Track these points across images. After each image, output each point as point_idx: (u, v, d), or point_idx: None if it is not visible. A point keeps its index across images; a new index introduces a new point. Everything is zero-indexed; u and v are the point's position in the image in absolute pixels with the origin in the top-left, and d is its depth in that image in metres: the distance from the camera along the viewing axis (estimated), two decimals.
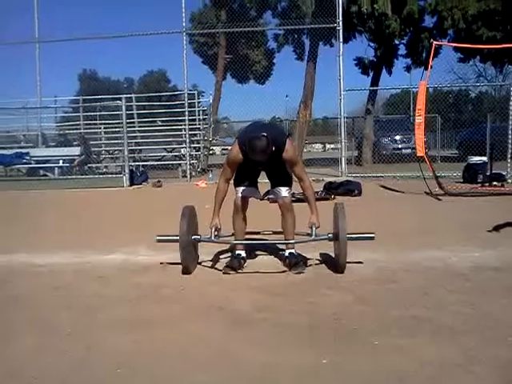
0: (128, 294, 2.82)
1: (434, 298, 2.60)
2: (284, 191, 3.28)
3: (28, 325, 2.38)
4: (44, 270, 3.44)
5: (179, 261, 3.15)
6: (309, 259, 3.44)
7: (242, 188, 3.29)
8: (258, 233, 3.71)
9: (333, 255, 3.38)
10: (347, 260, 3.12)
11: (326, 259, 3.45)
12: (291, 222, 3.30)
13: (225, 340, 2.13)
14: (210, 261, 3.53)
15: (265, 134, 2.99)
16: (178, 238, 3.11)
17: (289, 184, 3.33)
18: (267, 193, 3.41)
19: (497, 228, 4.25)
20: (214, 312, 2.49)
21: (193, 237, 3.28)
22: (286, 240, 3.35)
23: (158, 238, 3.36)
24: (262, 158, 3.00)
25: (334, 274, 3.12)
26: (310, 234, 3.22)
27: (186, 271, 3.18)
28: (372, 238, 3.21)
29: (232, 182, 3.34)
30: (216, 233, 3.26)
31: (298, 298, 2.67)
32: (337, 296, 2.68)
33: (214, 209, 3.28)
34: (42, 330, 2.29)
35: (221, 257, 3.61)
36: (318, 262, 3.44)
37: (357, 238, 3.19)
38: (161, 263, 3.47)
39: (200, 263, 3.45)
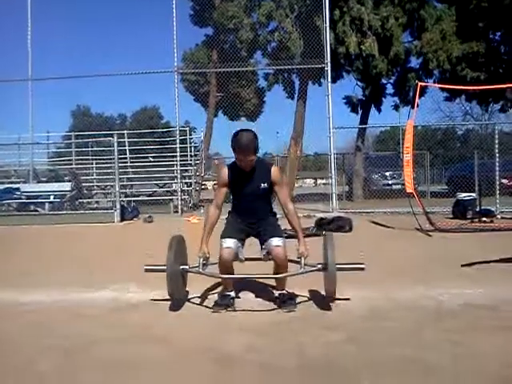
0: (115, 334, 2.77)
1: (425, 337, 2.59)
2: (277, 241, 3.18)
3: (9, 367, 2.32)
4: (28, 308, 3.37)
5: (168, 297, 3.12)
6: (299, 296, 3.41)
7: (227, 240, 3.20)
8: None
9: (323, 292, 3.36)
10: (337, 296, 3.10)
11: (316, 296, 3.42)
12: (284, 271, 3.21)
13: (214, 383, 2.09)
14: (199, 298, 3.49)
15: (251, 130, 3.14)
16: (164, 268, 3.08)
17: (281, 234, 3.24)
18: (262, 247, 3.30)
19: (472, 264, 4.29)
20: (202, 353, 2.44)
21: (181, 267, 3.24)
22: (276, 283, 3.32)
23: (146, 267, 3.35)
24: (247, 150, 3.05)
25: (325, 313, 3.09)
26: (299, 264, 3.18)
27: (173, 300, 3.14)
28: (362, 269, 3.21)
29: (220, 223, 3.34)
30: (204, 262, 3.23)
31: (287, 338, 2.63)
32: (327, 335, 2.65)
33: (202, 236, 3.23)
34: (22, 372, 2.23)
35: (210, 294, 3.57)
36: (308, 299, 3.41)
37: (346, 269, 3.19)
38: (150, 299, 3.42)
39: (189, 300, 3.41)
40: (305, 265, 3.17)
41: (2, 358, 2.47)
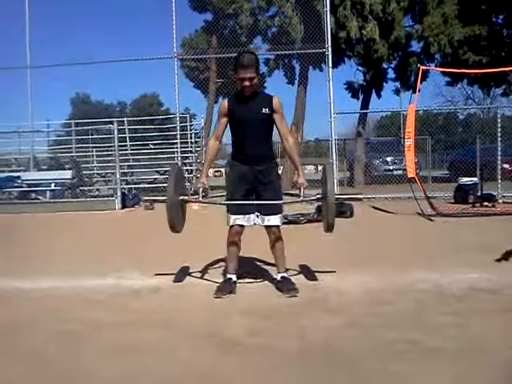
0: (118, 320, 2.78)
1: (426, 321, 2.59)
2: (274, 220, 3.19)
3: (16, 352, 2.34)
4: (33, 295, 3.39)
5: (171, 284, 3.13)
6: (301, 281, 3.42)
7: (234, 217, 3.22)
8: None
9: (324, 277, 3.37)
10: (337, 282, 3.11)
11: (318, 281, 3.43)
12: (281, 246, 3.26)
13: (216, 367, 2.10)
14: (201, 284, 3.50)
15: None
16: (165, 198, 3.09)
17: (280, 210, 3.24)
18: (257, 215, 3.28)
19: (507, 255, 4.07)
20: (204, 337, 2.45)
21: (180, 197, 3.25)
22: (277, 264, 3.32)
23: (145, 198, 3.37)
24: (248, 66, 3.04)
25: (327, 297, 3.10)
26: (298, 195, 3.21)
27: (173, 231, 3.15)
28: (360, 200, 3.24)
29: (225, 199, 3.31)
30: (203, 193, 3.25)
31: (289, 322, 2.64)
32: (329, 319, 2.66)
33: (202, 168, 3.28)
34: (29, 357, 2.25)
35: (212, 279, 3.58)
36: (310, 284, 3.42)
37: (345, 199, 3.21)
38: (152, 286, 3.44)
39: (192, 286, 3.42)
40: (304, 196, 3.18)
41: (8, 344, 2.48)
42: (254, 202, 3.21)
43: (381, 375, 1.94)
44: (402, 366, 2.00)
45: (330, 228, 3.11)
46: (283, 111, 3.27)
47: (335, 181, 10.29)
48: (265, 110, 3.16)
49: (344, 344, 2.29)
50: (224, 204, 3.31)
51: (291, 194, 3.33)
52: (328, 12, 10.42)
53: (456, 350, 2.17)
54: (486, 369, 1.96)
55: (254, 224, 3.29)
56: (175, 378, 1.99)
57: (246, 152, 3.23)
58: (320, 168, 40.63)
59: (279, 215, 3.24)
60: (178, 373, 2.04)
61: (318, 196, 3.21)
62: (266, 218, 3.22)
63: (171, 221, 3.12)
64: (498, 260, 3.97)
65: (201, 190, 3.24)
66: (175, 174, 3.21)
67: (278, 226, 3.23)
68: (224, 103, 3.28)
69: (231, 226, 3.25)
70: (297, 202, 3.23)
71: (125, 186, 11.90)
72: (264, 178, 3.23)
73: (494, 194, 8.70)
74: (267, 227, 3.24)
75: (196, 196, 3.28)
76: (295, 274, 3.47)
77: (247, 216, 3.25)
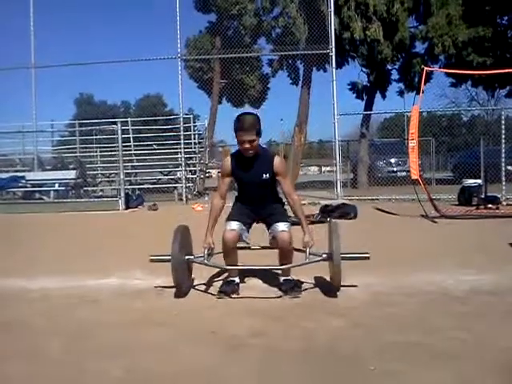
0: (121, 319, 2.79)
1: (430, 323, 2.59)
2: (282, 226, 3.18)
3: (18, 351, 2.34)
4: (36, 294, 3.40)
5: (173, 284, 3.13)
6: (304, 283, 3.41)
7: (231, 222, 3.22)
8: (249, 247, 3.61)
9: (327, 277, 3.37)
10: (343, 283, 3.10)
11: (321, 283, 3.43)
12: (290, 258, 3.22)
13: (219, 366, 2.10)
14: (204, 285, 3.51)
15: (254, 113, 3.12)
16: (170, 258, 3.09)
17: (287, 220, 3.25)
18: (268, 231, 3.32)
19: None
20: (207, 337, 2.46)
21: (186, 257, 3.26)
22: (280, 264, 3.32)
23: (151, 257, 3.36)
24: (249, 129, 3.02)
25: (330, 299, 3.10)
26: (305, 254, 3.17)
27: (179, 291, 3.16)
28: (367, 258, 3.21)
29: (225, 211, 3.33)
30: (209, 252, 3.23)
31: (292, 323, 2.64)
32: (332, 321, 2.66)
33: (207, 227, 3.23)
34: (32, 357, 2.26)
35: (215, 281, 3.59)
36: (313, 286, 3.41)
37: (351, 258, 3.19)
38: (155, 287, 3.45)
39: (194, 287, 3.43)
40: (310, 254, 3.17)
41: (10, 343, 2.49)
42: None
43: (387, 375, 1.93)
44: (405, 368, 2.00)
45: (336, 287, 3.14)
46: (285, 170, 3.29)
47: (339, 186, 10.29)
48: (265, 176, 3.16)
49: (347, 345, 2.29)
50: (228, 268, 3.32)
51: (297, 250, 3.35)
52: (332, 13, 10.40)
53: (459, 352, 2.16)
54: (490, 371, 1.95)
55: (244, 241, 3.28)
56: (178, 377, 1.99)
57: (251, 204, 3.30)
58: (324, 169, 40.59)
59: (287, 223, 3.22)
60: (181, 372, 2.04)
61: (325, 256, 3.19)
62: (274, 225, 3.21)
63: (176, 281, 3.14)
64: None
65: (206, 250, 3.21)
66: (181, 233, 3.21)
67: (288, 234, 3.15)
68: (226, 163, 3.25)
69: (225, 232, 3.18)
70: (304, 264, 3.20)
71: (128, 187, 11.92)
72: (268, 211, 3.29)
73: (498, 196, 8.65)
74: (278, 238, 3.16)
75: (201, 255, 3.25)
76: (298, 276, 3.46)
77: (243, 227, 3.24)
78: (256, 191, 3.26)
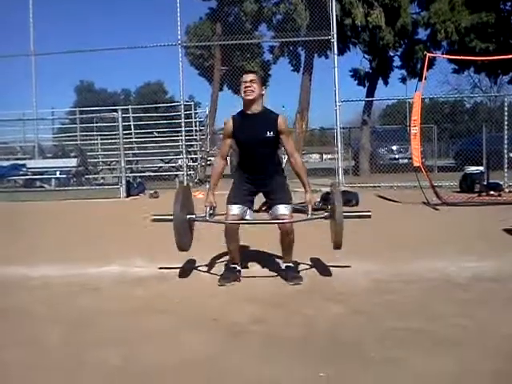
0: (122, 307, 2.79)
1: (431, 310, 2.58)
2: (283, 209, 3.17)
3: (18, 339, 2.35)
4: (37, 282, 3.40)
5: (177, 271, 3.13)
6: (306, 270, 3.41)
7: (233, 206, 3.19)
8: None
9: (329, 265, 3.37)
10: (343, 270, 3.10)
11: (323, 270, 3.43)
12: (290, 241, 3.22)
13: (220, 353, 2.10)
14: (206, 272, 3.51)
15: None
16: (172, 217, 3.08)
17: (288, 200, 3.23)
18: (265, 204, 3.35)
19: None
20: (209, 324, 2.46)
21: (187, 216, 3.25)
22: (283, 255, 3.31)
23: (153, 217, 3.36)
24: (253, 74, 3.11)
25: (331, 286, 3.10)
26: (306, 213, 3.20)
27: (181, 250, 3.15)
28: (369, 217, 3.21)
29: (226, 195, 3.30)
30: (211, 211, 3.24)
31: (293, 310, 2.64)
32: (333, 308, 2.66)
33: (209, 186, 3.26)
34: (31, 345, 2.26)
35: (217, 268, 3.59)
36: (314, 273, 3.41)
37: (353, 217, 3.20)
38: (159, 268, 3.45)
39: (196, 273, 3.42)
40: (312, 213, 3.17)
41: (10, 330, 2.50)
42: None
43: (387, 362, 1.93)
44: (406, 355, 2.00)
45: (337, 246, 3.12)
46: (289, 130, 3.28)
47: (341, 173, 10.26)
48: (269, 134, 3.12)
49: (348, 332, 2.29)
50: (228, 222, 3.25)
51: (299, 211, 3.33)
52: None
53: (461, 338, 2.16)
54: (492, 358, 1.95)
55: (245, 220, 3.25)
56: (179, 364, 1.99)
57: (252, 173, 3.25)
58: (325, 157, 40.49)
59: (288, 205, 3.20)
60: (182, 359, 2.04)
61: (326, 214, 3.20)
62: (276, 207, 3.19)
63: (179, 241, 3.12)
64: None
65: (208, 208, 3.21)
66: (182, 193, 3.20)
67: (289, 221, 3.14)
68: (228, 123, 3.23)
69: (227, 216, 3.18)
70: (306, 220, 3.21)
71: (129, 175, 11.90)
72: (270, 185, 3.24)
73: (501, 183, 8.62)
74: (278, 219, 3.16)
75: (202, 214, 3.25)
76: (300, 263, 3.46)
77: (244, 208, 3.22)
78: (258, 154, 3.18)
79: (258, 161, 3.20)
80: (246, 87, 3.07)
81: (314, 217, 3.20)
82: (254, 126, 3.12)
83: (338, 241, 3.07)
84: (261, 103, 3.16)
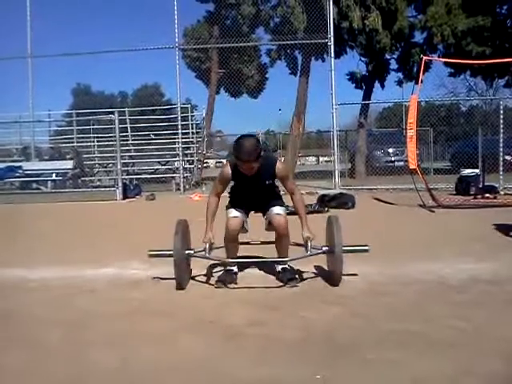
0: (119, 309, 2.78)
1: (428, 311, 2.59)
2: (278, 209, 3.20)
3: (16, 341, 2.34)
4: (35, 284, 3.39)
5: (172, 275, 3.13)
6: (302, 272, 3.42)
7: (233, 210, 3.23)
8: (247, 243, 3.63)
9: (325, 267, 3.37)
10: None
11: (319, 272, 3.43)
12: (286, 242, 3.26)
13: (216, 355, 2.10)
14: (203, 275, 3.50)
15: (253, 135, 3.05)
16: (171, 253, 3.08)
17: (282, 204, 3.27)
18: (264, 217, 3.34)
19: None
20: (205, 326, 2.46)
21: (186, 252, 3.25)
22: (279, 257, 3.33)
23: (150, 253, 3.31)
24: (250, 159, 2.97)
25: (328, 288, 3.10)
26: (305, 248, 3.18)
27: (180, 287, 3.15)
28: (366, 251, 3.20)
29: (224, 204, 3.32)
30: (210, 246, 3.23)
31: (290, 312, 2.64)
32: (330, 310, 2.66)
33: (206, 223, 3.24)
34: (30, 347, 2.26)
35: (213, 271, 3.58)
36: (311, 275, 3.42)
37: (352, 251, 3.18)
38: (154, 278, 3.44)
39: (193, 277, 3.42)
40: (311, 248, 3.17)
41: (9, 332, 2.49)
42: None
43: (384, 363, 1.94)
44: (403, 356, 2.00)
45: (337, 280, 3.12)
46: (288, 173, 3.29)
47: (337, 176, 10.29)
48: (268, 182, 3.18)
49: (345, 334, 2.29)
50: (229, 261, 3.32)
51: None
52: (331, 2, 10.33)
53: (458, 341, 2.16)
54: (488, 360, 1.96)
55: (245, 228, 3.29)
56: (175, 366, 1.99)
57: (249, 202, 3.29)
58: (321, 159, 40.50)
59: (281, 207, 3.25)
60: (178, 361, 2.04)
61: (325, 249, 3.19)
62: (270, 209, 3.23)
63: (178, 278, 3.11)
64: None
65: (207, 245, 3.20)
66: (181, 229, 3.19)
67: (283, 217, 3.18)
68: (226, 170, 3.17)
69: (228, 220, 3.22)
70: (305, 257, 3.21)
71: (126, 177, 11.90)
72: (266, 201, 3.29)
73: (496, 185, 8.68)
74: (274, 221, 3.19)
75: (201, 249, 3.25)
76: (296, 265, 3.46)
77: (244, 214, 3.26)
78: (256, 194, 3.26)
79: (255, 198, 3.28)
80: (246, 170, 3.05)
81: (314, 253, 3.19)
82: (252, 177, 3.12)
83: (338, 276, 3.09)
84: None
